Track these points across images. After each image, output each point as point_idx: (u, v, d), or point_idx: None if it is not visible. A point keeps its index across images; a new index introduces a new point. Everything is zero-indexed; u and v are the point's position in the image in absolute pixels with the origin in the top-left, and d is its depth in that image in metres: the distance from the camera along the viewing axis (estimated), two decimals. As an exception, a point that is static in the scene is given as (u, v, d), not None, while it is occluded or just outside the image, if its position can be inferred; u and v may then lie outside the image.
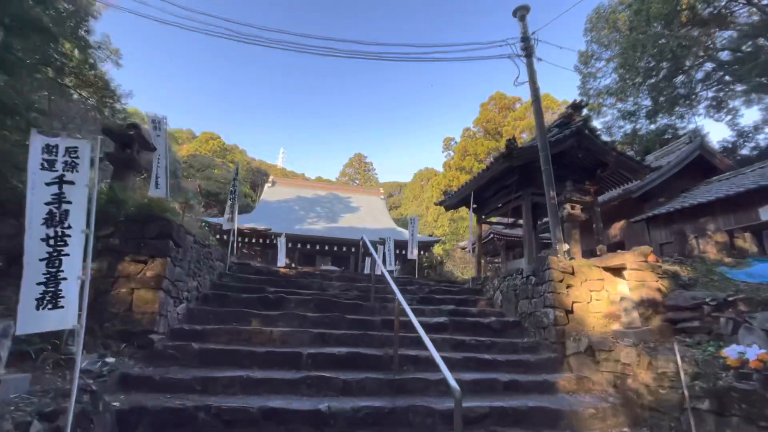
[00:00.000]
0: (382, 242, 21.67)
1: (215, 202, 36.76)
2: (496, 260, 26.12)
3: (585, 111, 8.34)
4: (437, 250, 34.45)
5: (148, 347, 3.97)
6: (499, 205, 9.79)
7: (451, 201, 10.48)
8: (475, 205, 10.57)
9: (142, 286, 4.18)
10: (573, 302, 5.17)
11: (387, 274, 5.29)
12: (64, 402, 2.52)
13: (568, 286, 5.24)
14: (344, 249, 25.91)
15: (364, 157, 59.32)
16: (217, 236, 26.13)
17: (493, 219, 11.79)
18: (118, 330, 3.96)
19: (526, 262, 7.60)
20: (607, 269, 5.37)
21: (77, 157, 2.72)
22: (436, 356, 3.18)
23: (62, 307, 2.53)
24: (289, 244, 24.04)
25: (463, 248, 24.81)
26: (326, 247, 25.89)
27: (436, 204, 11.39)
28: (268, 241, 24.88)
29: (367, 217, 31.04)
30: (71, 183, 2.68)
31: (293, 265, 22.38)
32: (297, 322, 5.20)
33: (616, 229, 14.06)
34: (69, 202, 2.66)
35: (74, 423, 2.46)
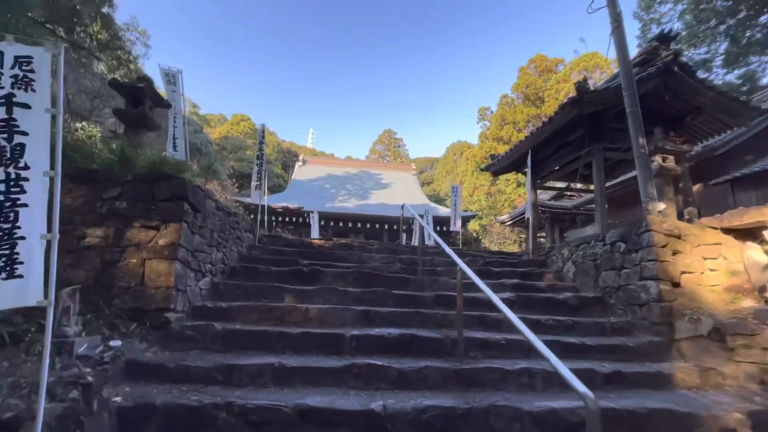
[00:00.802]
0: (419, 216, 20.84)
1: (248, 183, 37.02)
2: (540, 235, 24.55)
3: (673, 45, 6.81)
4: (473, 226, 33.11)
5: (163, 328, 3.33)
6: (558, 167, 8.51)
7: (501, 165, 9.29)
8: (527, 168, 9.35)
9: (154, 256, 3.52)
10: (681, 272, 4.05)
11: (441, 242, 4.39)
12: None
13: (675, 253, 4.11)
14: (377, 226, 25.33)
15: (393, 133, 57.78)
16: (251, 216, 26.40)
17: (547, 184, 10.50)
18: (129, 308, 3.34)
19: (599, 228, 6.43)
20: (727, 231, 4.17)
21: (32, 71, 1.95)
22: (533, 339, 2.26)
23: (21, 276, 1.83)
24: (322, 222, 23.70)
25: (503, 222, 23.34)
26: (358, 224, 25.42)
27: (482, 169, 10.25)
28: (300, 220, 24.71)
29: (399, 194, 30.12)
30: (25, 107, 1.93)
31: (328, 237, 22.10)
32: (336, 298, 4.45)
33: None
34: (24, 133, 1.91)
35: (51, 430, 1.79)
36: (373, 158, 53.71)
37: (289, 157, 46.93)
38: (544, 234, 24.44)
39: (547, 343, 3.77)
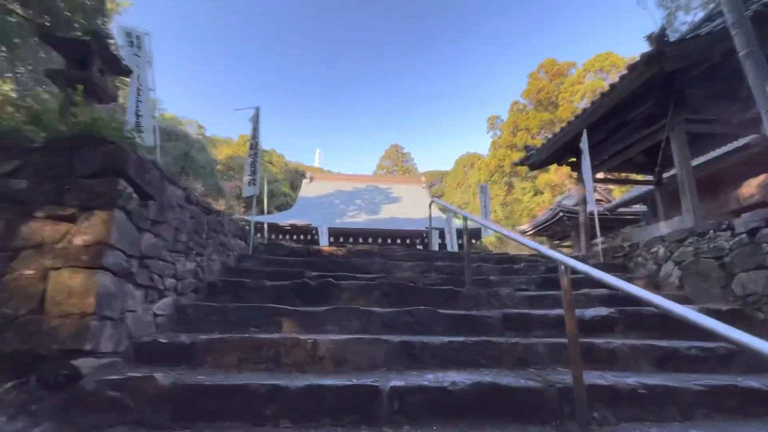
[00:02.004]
0: (432, 230, 19.34)
1: (252, 203, 36.23)
2: (564, 244, 22.91)
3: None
4: (488, 238, 31.47)
5: (66, 387, 1.93)
6: (614, 154, 7.07)
7: (540, 156, 7.90)
8: (573, 158, 7.93)
9: (65, 263, 2.16)
10: None
11: (518, 236, 2.96)
12: None
13: None
14: (388, 241, 23.93)
15: (401, 147, 57.06)
16: (260, 235, 25.23)
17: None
18: (12, 352, 1.96)
19: (691, 219, 4.96)
20: None
21: None
22: None
23: None
24: (331, 239, 22.42)
25: (524, 232, 21.76)
26: (369, 240, 24.05)
27: (516, 164, 8.86)
28: (309, 237, 23.50)
29: (410, 207, 28.84)
30: None
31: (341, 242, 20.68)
32: (358, 323, 3.02)
33: (753, 187, 10.68)
34: None
35: None
36: (381, 174, 52.75)
37: (296, 177, 46.34)
38: (568, 243, 22.77)
39: (714, 391, 2.30)
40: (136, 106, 4.07)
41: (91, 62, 3.57)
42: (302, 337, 2.59)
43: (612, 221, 16.25)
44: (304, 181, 33.37)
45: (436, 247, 17.69)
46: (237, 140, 50.13)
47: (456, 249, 11.46)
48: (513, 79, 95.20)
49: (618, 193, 22.94)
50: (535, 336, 3.01)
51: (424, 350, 2.59)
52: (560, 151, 7.65)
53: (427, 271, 4.51)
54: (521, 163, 8.45)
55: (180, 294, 3.11)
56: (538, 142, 30.51)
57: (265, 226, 22.06)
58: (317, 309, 3.09)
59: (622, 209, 15.96)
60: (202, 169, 23.43)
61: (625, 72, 5.25)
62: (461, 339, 2.69)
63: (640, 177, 9.30)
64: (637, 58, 5.25)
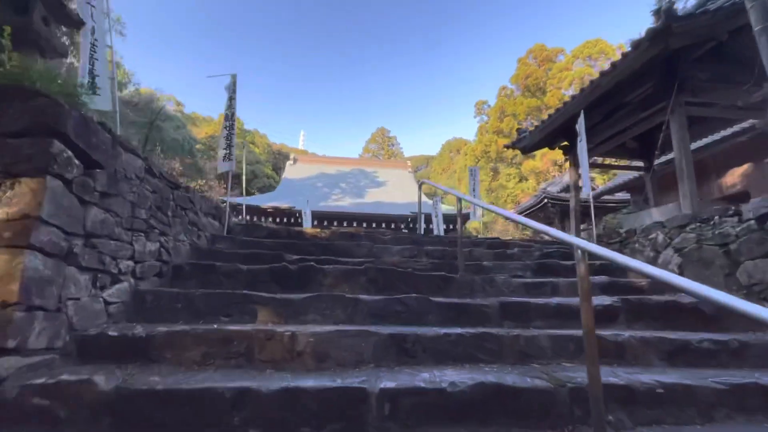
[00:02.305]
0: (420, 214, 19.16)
1: (236, 184, 35.45)
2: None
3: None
4: (473, 224, 31.58)
5: (-22, 393, 1.56)
6: (605, 138, 6.87)
7: (532, 139, 7.64)
8: (566, 143, 7.71)
9: (-19, 241, 1.75)
10: None
11: (523, 218, 2.69)
12: None
13: None
14: (373, 225, 23.69)
15: (387, 131, 56.22)
16: (240, 216, 24.50)
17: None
18: None
19: (688, 205, 4.81)
20: None
21: None
22: None
23: None
24: (315, 222, 22.01)
25: (507, 218, 21.79)
26: (354, 224, 23.77)
27: (507, 147, 8.56)
28: (292, 220, 23.04)
29: (396, 192, 28.57)
30: None
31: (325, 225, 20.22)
32: (342, 312, 2.71)
33: (735, 176, 10.79)
34: None
35: None
36: (367, 157, 52.03)
37: (280, 159, 45.35)
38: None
39: (734, 390, 2.11)
40: (91, 64, 3.53)
41: (32, 7, 3.05)
42: (279, 328, 2.27)
43: (596, 209, 16.34)
44: (288, 162, 32.59)
45: (421, 233, 17.61)
46: (218, 119, 48.37)
47: (442, 234, 11.25)
48: (502, 64, 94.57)
49: (600, 181, 23.19)
50: (536, 327, 2.77)
51: (416, 344, 2.30)
52: (553, 134, 7.41)
53: (417, 256, 4.22)
54: (513, 146, 8.19)
55: (139, 278, 2.71)
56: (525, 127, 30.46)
57: (244, 207, 21.45)
58: (297, 296, 2.76)
59: (605, 197, 16.06)
60: (179, 146, 22.40)
61: (627, 50, 4.97)
62: (457, 331, 2.42)
63: (623, 163, 9.21)
64: (626, 46, 5.01)
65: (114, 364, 1.99)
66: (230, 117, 4.80)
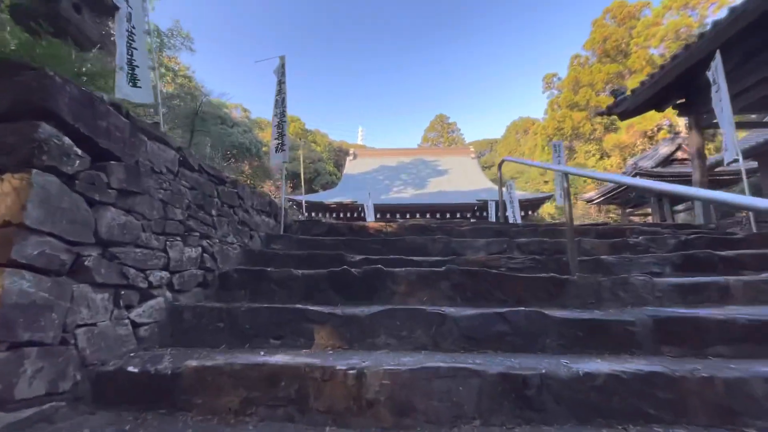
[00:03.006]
0: (490, 202, 17.70)
1: (301, 183, 36.85)
2: (638, 212, 20.22)
3: None
4: (547, 209, 28.95)
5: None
6: (749, 86, 5.24)
7: (634, 101, 6.19)
8: (683, 100, 6.15)
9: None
10: None
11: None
12: None
13: None
14: (437, 216, 22.77)
15: (446, 117, 54.28)
16: (307, 214, 25.18)
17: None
18: None
19: None
20: None
21: None
22: None
23: None
24: (378, 215, 21.74)
25: (590, 201, 19.40)
26: (417, 215, 23.07)
27: (600, 114, 7.16)
28: (356, 215, 23.06)
29: (459, 179, 27.28)
30: None
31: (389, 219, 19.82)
32: (423, 334, 2.00)
33: None
34: None
35: None
36: (426, 146, 50.79)
37: (340, 156, 46.27)
38: (642, 212, 20.06)
39: None
40: (129, 54, 3.23)
41: (62, -6, 2.76)
42: (341, 364, 1.62)
43: (711, 184, 13.74)
44: (348, 158, 32.86)
45: (493, 219, 16.22)
46: (281, 122, 50.72)
47: (519, 221, 10.02)
48: (572, 30, 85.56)
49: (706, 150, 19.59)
50: (719, 357, 1.81)
51: (543, 390, 1.51)
52: (665, 90, 5.90)
53: (508, 251, 3.36)
54: (609, 112, 6.76)
55: (177, 291, 2.27)
56: (603, 99, 26.99)
57: (303, 203, 21.81)
58: (363, 311, 2.11)
59: (718, 168, 13.28)
60: (246, 149, 23.51)
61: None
62: (604, 369, 1.57)
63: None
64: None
65: (132, 412, 1.50)
66: (281, 103, 4.33)
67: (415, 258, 3.03)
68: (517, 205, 10.25)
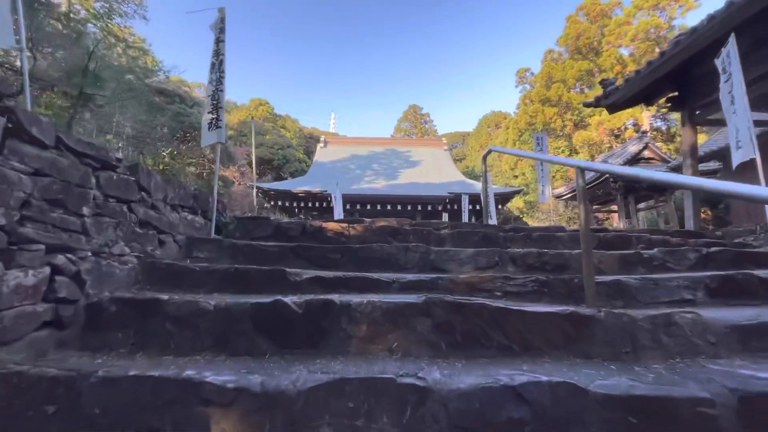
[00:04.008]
0: (464, 195, 17.20)
1: (269, 169, 35.21)
2: (604, 209, 20.47)
3: None
4: (515, 203, 29.13)
5: None
6: (758, 77, 4.81)
7: (626, 91, 5.67)
8: (674, 93, 5.69)
9: None
10: None
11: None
12: None
13: None
14: (408, 207, 22.25)
15: (419, 108, 53.67)
16: (271, 202, 23.78)
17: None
18: None
19: None
20: None
21: None
22: None
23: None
24: (347, 206, 20.81)
25: (559, 196, 19.44)
26: (388, 206, 22.43)
27: (586, 105, 6.62)
28: (324, 204, 22.07)
29: (431, 171, 26.85)
30: None
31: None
32: (391, 426, 1.23)
33: None
34: None
35: None
36: (399, 137, 50.06)
37: (311, 143, 44.76)
38: (610, 209, 20.36)
39: None
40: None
41: None
42: None
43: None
44: (319, 145, 31.65)
45: (466, 218, 15.69)
46: (248, 104, 48.15)
47: (495, 221, 9.50)
48: (547, 25, 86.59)
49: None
50: None
51: None
52: (657, 83, 5.41)
53: (501, 265, 2.65)
54: (596, 103, 6.23)
55: (-8, 345, 1.37)
56: (575, 96, 27.17)
57: (262, 191, 20.49)
58: (296, 384, 1.31)
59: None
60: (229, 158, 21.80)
61: None
62: None
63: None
64: None
65: None
66: (218, 67, 3.36)
67: (383, 277, 2.24)
68: (493, 200, 9.70)
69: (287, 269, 2.22)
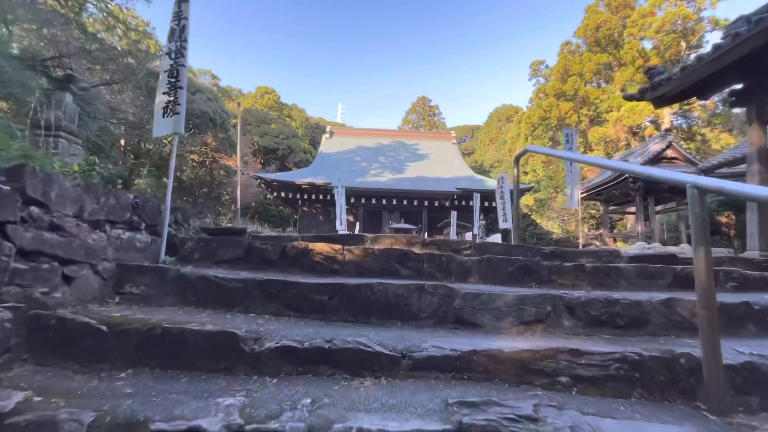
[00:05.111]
0: (476, 194, 16.30)
1: (274, 159, 34.48)
2: (620, 210, 19.34)
3: None
4: (525, 200, 28.11)
5: None
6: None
7: (683, 82, 4.76)
8: (739, 85, 4.78)
9: None
10: None
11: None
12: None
13: None
14: (415, 203, 21.45)
15: (428, 100, 52.39)
16: (274, 193, 23.06)
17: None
18: None
19: None
20: None
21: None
22: None
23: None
24: (352, 200, 20.01)
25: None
26: (393, 201, 21.64)
27: (627, 98, 5.71)
28: (328, 197, 21.35)
29: (438, 165, 25.98)
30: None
31: (357, 225, 18.09)
32: None
33: None
34: None
35: None
36: (407, 129, 48.95)
37: (317, 133, 43.96)
38: (629, 210, 19.29)
39: None
40: None
41: None
42: None
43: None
44: (324, 136, 30.83)
45: (477, 218, 14.67)
46: (254, 92, 47.22)
47: (510, 223, 8.63)
48: (562, 17, 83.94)
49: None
50: None
51: None
52: (722, 72, 4.49)
53: (552, 317, 1.86)
54: (640, 96, 5.33)
55: None
56: (592, 90, 25.93)
57: (264, 181, 19.72)
58: None
59: (722, 170, 12.40)
60: (209, 119, 21.07)
61: None
62: None
63: None
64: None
65: None
66: (178, 35, 2.55)
67: (387, 347, 1.47)
68: (508, 200, 8.87)
69: (240, 333, 1.45)
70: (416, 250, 2.56)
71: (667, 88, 4.97)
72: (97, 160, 2.08)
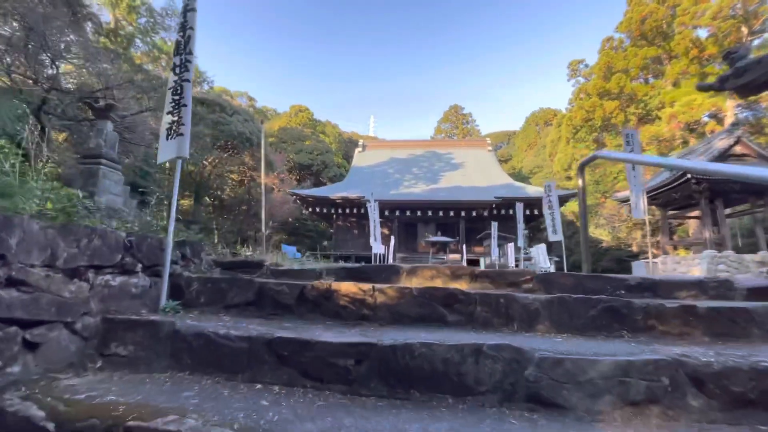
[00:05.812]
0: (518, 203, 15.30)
1: (309, 174, 35.08)
2: (681, 215, 17.40)
3: None
4: (570, 206, 26.39)
5: None
6: None
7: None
8: None
9: None
10: None
11: None
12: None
13: None
14: (451, 213, 20.70)
15: (460, 108, 51.51)
16: (309, 209, 23.24)
17: None
18: None
19: None
20: None
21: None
22: None
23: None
24: (386, 212, 19.63)
25: (623, 200, 16.84)
26: (429, 213, 21.01)
27: (701, 89, 4.90)
28: (363, 211, 21.10)
29: (474, 174, 25.08)
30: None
31: (392, 239, 17.55)
32: None
33: None
34: None
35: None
36: (440, 138, 48.25)
37: (350, 147, 44.46)
38: (693, 214, 17.37)
39: None
40: None
41: None
42: None
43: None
44: (357, 150, 30.94)
45: (521, 229, 13.41)
46: (288, 111, 48.68)
47: (560, 235, 7.79)
48: (599, 13, 79.88)
49: None
50: None
51: None
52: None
53: (671, 393, 1.28)
54: (720, 85, 4.49)
55: None
56: (639, 86, 24.08)
57: (299, 197, 19.80)
58: None
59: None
60: (246, 139, 21.66)
61: None
62: None
63: None
64: None
65: None
66: (183, 46, 2.27)
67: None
68: (557, 212, 8.02)
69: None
70: (464, 286, 2.05)
71: (756, 73, 4.12)
72: (81, 194, 1.77)
